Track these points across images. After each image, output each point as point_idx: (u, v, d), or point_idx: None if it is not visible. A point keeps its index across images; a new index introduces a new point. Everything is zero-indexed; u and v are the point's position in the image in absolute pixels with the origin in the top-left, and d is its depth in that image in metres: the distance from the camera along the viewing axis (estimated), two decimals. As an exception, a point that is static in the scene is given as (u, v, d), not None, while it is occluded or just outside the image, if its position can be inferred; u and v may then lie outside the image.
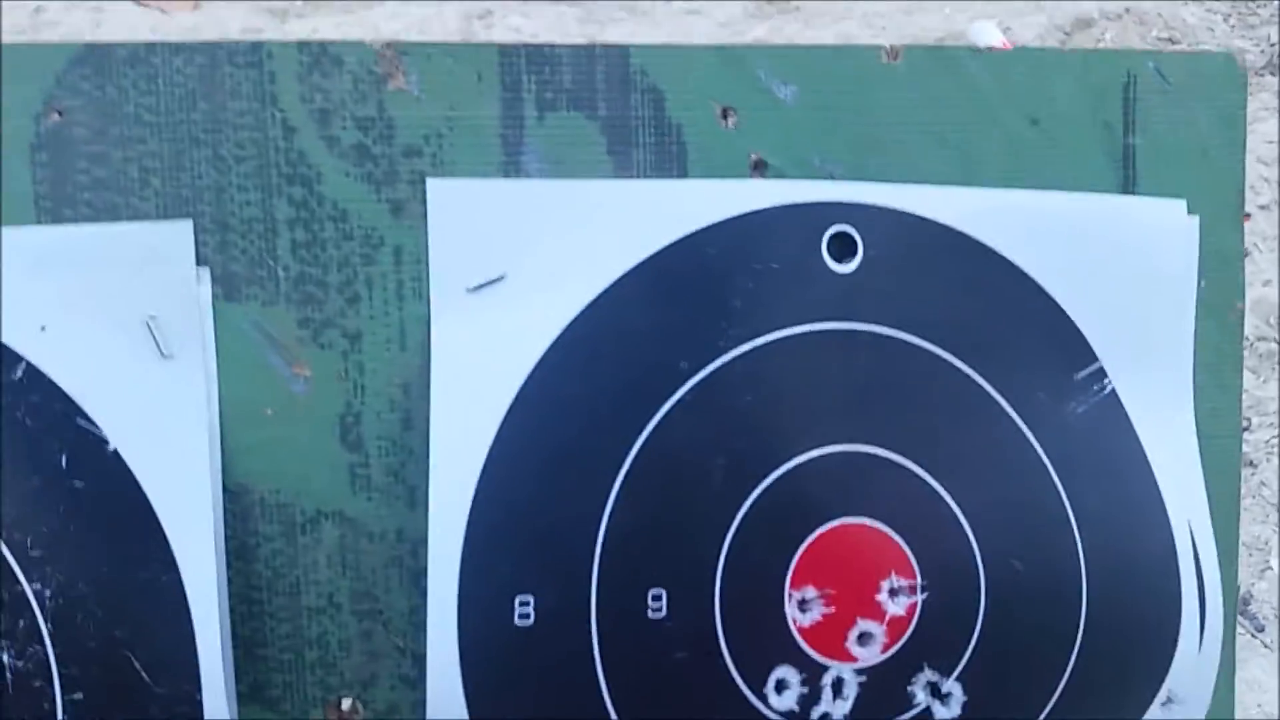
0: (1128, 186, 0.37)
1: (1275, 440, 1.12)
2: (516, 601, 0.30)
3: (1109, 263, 0.36)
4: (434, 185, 0.32)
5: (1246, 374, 0.51)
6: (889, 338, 0.34)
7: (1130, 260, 0.36)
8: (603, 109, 0.33)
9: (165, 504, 0.30)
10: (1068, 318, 0.36)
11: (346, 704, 0.33)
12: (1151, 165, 0.37)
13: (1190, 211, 0.37)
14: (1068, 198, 0.36)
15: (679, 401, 0.32)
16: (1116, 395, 0.36)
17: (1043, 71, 0.36)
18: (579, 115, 0.33)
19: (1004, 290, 0.35)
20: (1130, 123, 0.37)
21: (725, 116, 0.34)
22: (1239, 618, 0.48)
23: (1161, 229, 0.37)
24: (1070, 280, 0.35)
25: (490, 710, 0.30)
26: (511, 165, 0.33)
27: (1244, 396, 0.39)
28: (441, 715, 0.30)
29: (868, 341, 0.34)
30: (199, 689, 0.30)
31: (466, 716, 0.30)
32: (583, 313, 0.32)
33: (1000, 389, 0.35)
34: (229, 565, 0.31)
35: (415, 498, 0.32)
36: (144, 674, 0.30)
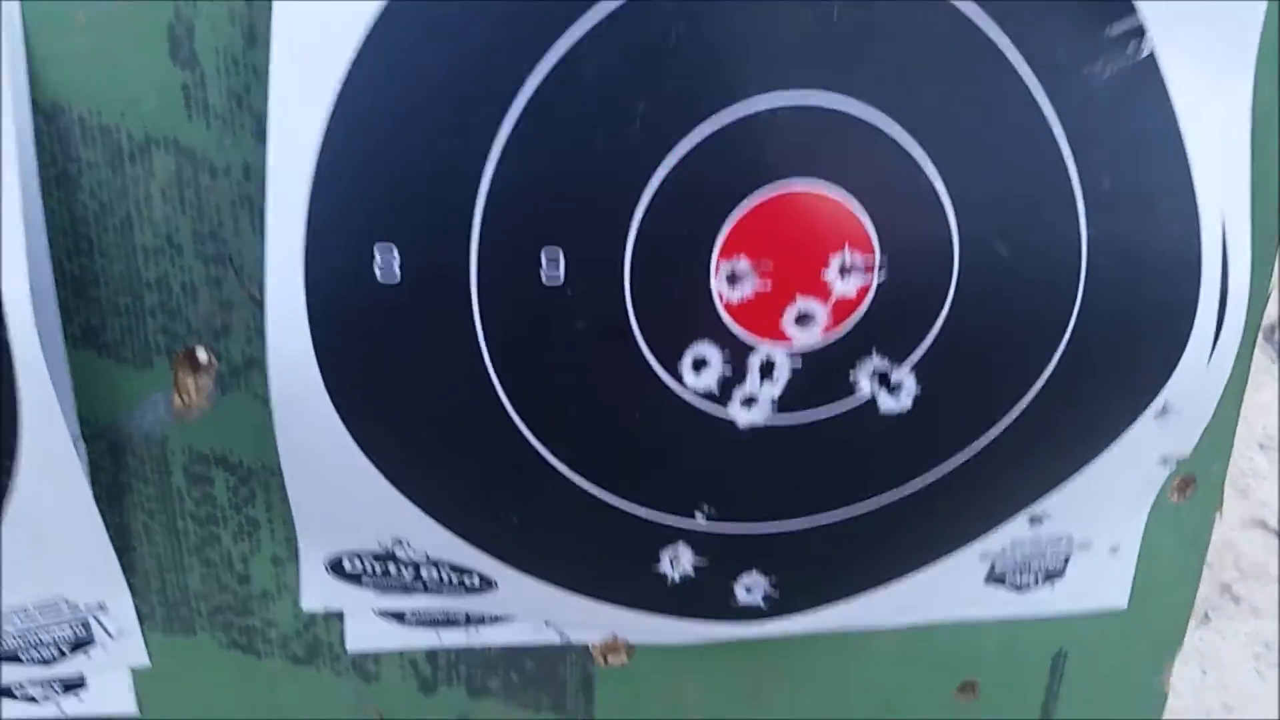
0: None
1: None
2: (376, 251, 0.25)
3: None
4: None
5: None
6: None
7: None
8: None
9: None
10: None
11: (203, 355, 0.29)
12: None
13: None
14: None
15: (596, 25, 0.25)
16: (1155, 61, 0.28)
17: None
18: None
19: None
20: None
21: None
22: (1261, 342, 0.42)
23: None
24: None
25: (350, 376, 0.26)
26: None
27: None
28: (288, 379, 0.26)
29: None
30: None
31: (320, 381, 0.26)
32: None
33: (1009, 33, 0.27)
34: (48, 194, 0.27)
35: (264, 127, 0.26)
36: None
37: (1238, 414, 0.36)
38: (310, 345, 0.26)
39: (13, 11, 0.25)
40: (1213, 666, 1.07)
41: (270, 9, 0.24)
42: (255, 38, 0.26)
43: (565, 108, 0.25)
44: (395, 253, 0.26)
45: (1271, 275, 0.33)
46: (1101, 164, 0.29)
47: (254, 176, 0.27)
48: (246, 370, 0.29)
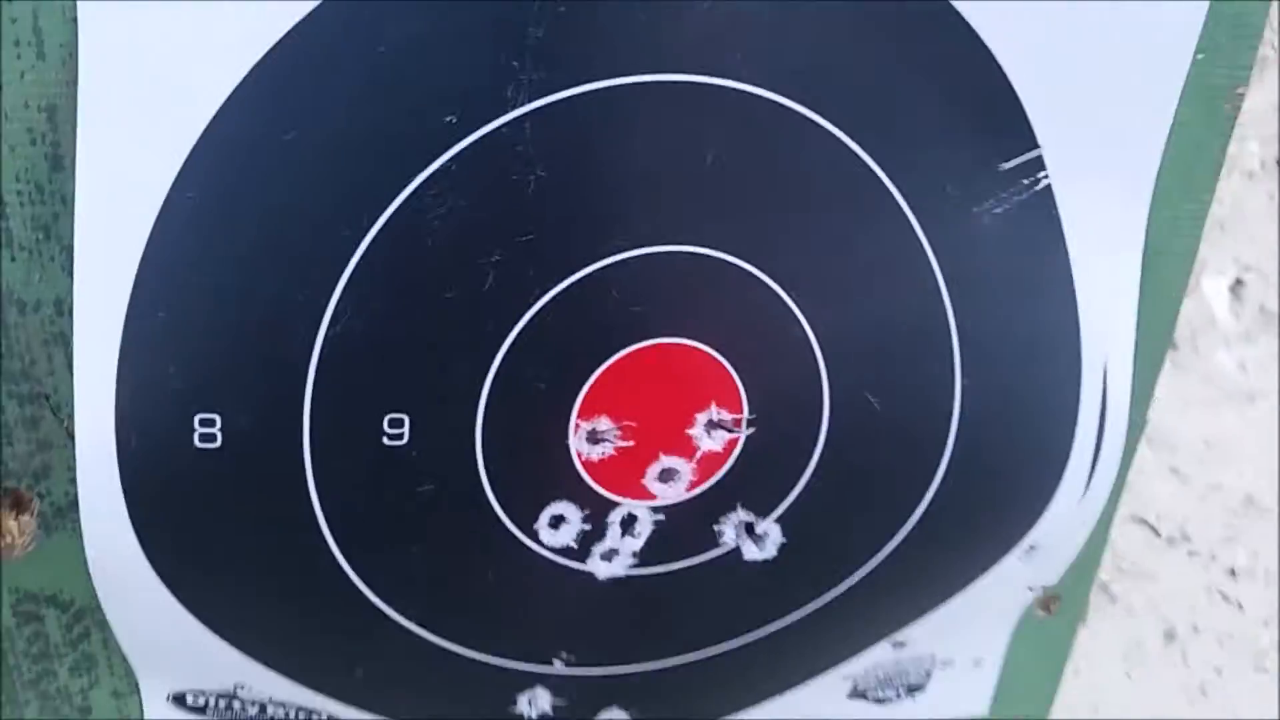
0: None
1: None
2: (196, 420, 0.23)
3: (1082, 21, 0.26)
4: None
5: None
6: (745, 94, 0.24)
7: (1111, 20, 0.26)
8: None
9: None
10: (1009, 85, 0.26)
11: (24, 496, 0.26)
12: None
13: None
14: None
15: (441, 168, 0.23)
16: (1051, 194, 0.27)
17: None
18: None
19: (922, 40, 0.25)
20: None
21: None
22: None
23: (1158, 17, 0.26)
24: (1020, 37, 0.25)
25: (167, 537, 0.24)
26: None
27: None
28: (101, 534, 0.24)
29: (715, 99, 0.24)
30: None
31: (135, 540, 0.24)
32: (300, 24, 0.22)
33: (893, 175, 0.26)
34: None
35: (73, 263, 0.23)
36: None
37: (1106, 535, 0.36)
38: (123, 504, 0.24)
39: None
40: (1085, 666, 1.10)
41: (76, 131, 0.22)
42: (62, 163, 0.23)
43: (408, 260, 0.23)
44: (217, 421, 0.23)
45: (1145, 411, 0.33)
46: (984, 310, 0.28)
47: (66, 311, 0.25)
48: (70, 510, 0.27)
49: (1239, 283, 1.06)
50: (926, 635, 0.33)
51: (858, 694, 0.34)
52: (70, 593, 0.28)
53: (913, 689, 0.35)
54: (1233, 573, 1.11)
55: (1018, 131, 0.26)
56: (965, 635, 0.34)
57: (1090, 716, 0.96)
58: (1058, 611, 0.36)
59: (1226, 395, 1.16)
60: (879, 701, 0.35)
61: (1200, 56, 0.26)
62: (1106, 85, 0.26)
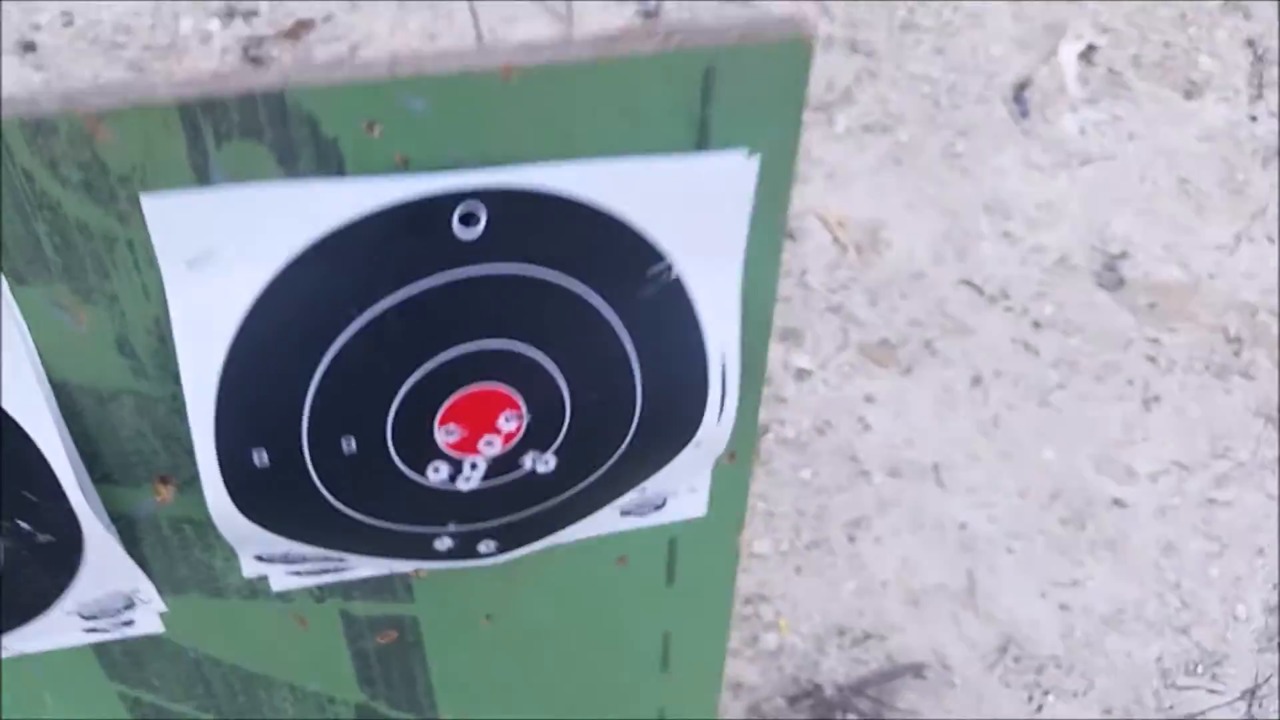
0: (702, 146, 0.48)
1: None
2: (253, 451, 0.49)
3: (683, 196, 0.49)
4: (146, 198, 0.43)
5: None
6: (513, 275, 0.48)
7: (704, 191, 0.49)
8: (268, 134, 0.43)
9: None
10: (643, 236, 0.49)
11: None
12: (724, 130, 0.47)
13: (752, 153, 0.48)
14: (652, 159, 0.47)
15: (354, 335, 0.47)
16: (681, 282, 0.52)
17: (633, 76, 0.44)
18: (251, 141, 0.43)
19: (597, 223, 0.48)
20: (708, 99, 0.46)
21: (371, 128, 0.43)
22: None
23: (727, 169, 0.48)
24: (650, 209, 0.48)
25: (249, 504, 0.51)
26: (203, 181, 0.43)
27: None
28: (216, 507, 0.51)
29: (498, 278, 0.48)
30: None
31: (233, 507, 0.51)
32: (280, 272, 0.45)
33: (596, 289, 0.50)
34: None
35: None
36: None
37: (754, 425, 0.62)
38: (224, 487, 0.50)
39: (30, 348, 0.46)
40: (903, 410, 1.44)
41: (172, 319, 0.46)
42: (165, 338, 0.47)
43: (360, 360, 0.48)
44: (265, 452, 0.49)
45: (760, 375, 0.58)
46: (650, 341, 0.53)
47: (180, 403, 0.50)
48: (194, 482, 0.53)
49: (1091, 48, 1.42)
50: (656, 483, 0.61)
51: (625, 513, 0.62)
52: (199, 518, 0.55)
53: (657, 507, 0.63)
54: (1037, 324, 1.51)
55: (655, 255, 0.50)
56: (680, 480, 0.62)
57: (903, 452, 1.32)
58: (736, 459, 0.63)
59: (1065, 159, 1.55)
60: (640, 515, 0.63)
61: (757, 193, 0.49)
62: (706, 217, 0.50)
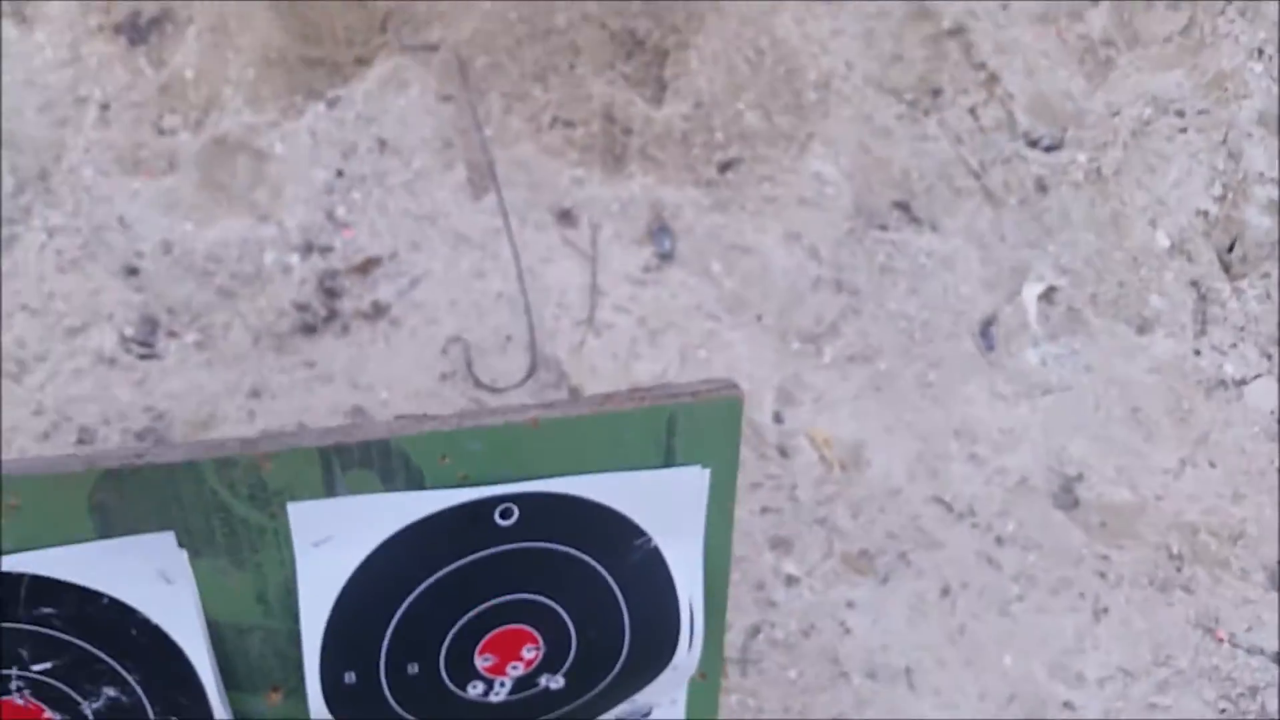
0: (669, 464, 0.68)
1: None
2: (345, 674, 0.68)
3: (658, 494, 0.69)
4: (291, 505, 0.64)
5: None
6: (536, 549, 0.68)
7: (672, 491, 0.69)
8: (376, 465, 0.64)
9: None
10: (630, 520, 0.70)
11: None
12: (685, 453, 0.68)
13: (705, 467, 0.69)
14: (635, 472, 0.68)
15: (422, 592, 0.67)
16: (658, 550, 0.72)
17: (620, 421, 0.66)
18: (364, 470, 0.64)
19: (597, 513, 0.69)
20: (673, 433, 0.67)
21: (443, 459, 0.65)
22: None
23: (687, 478, 0.69)
24: (634, 503, 0.69)
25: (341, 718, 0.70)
26: (330, 493, 0.64)
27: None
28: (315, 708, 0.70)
29: (525, 551, 0.68)
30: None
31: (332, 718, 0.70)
32: (374, 550, 0.66)
33: (595, 557, 0.70)
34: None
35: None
36: None
37: (719, 654, 0.81)
38: (322, 697, 0.69)
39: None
40: (880, 616, 1.58)
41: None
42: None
43: (421, 621, 0.68)
44: (353, 674, 0.68)
45: (721, 617, 0.77)
46: (635, 592, 0.72)
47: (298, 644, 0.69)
48: (301, 685, 0.72)
49: (1052, 289, 1.72)
50: (643, 696, 0.79)
51: None
52: (298, 718, 0.74)
53: (645, 715, 0.81)
54: (999, 540, 1.73)
55: (638, 533, 0.70)
56: (662, 694, 0.80)
57: (879, 656, 1.49)
58: (706, 678, 0.81)
59: (1027, 389, 1.83)
60: None
61: (711, 491, 0.70)
62: (675, 508, 0.70)
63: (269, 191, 1.98)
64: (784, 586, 1.55)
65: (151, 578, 0.67)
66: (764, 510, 1.59)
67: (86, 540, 0.64)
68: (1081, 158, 2.09)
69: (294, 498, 0.65)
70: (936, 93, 1.97)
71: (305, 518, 0.66)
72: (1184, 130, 2.06)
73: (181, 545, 0.66)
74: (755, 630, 1.47)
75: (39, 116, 2.12)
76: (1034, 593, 1.54)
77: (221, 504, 0.65)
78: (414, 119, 2.00)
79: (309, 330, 1.75)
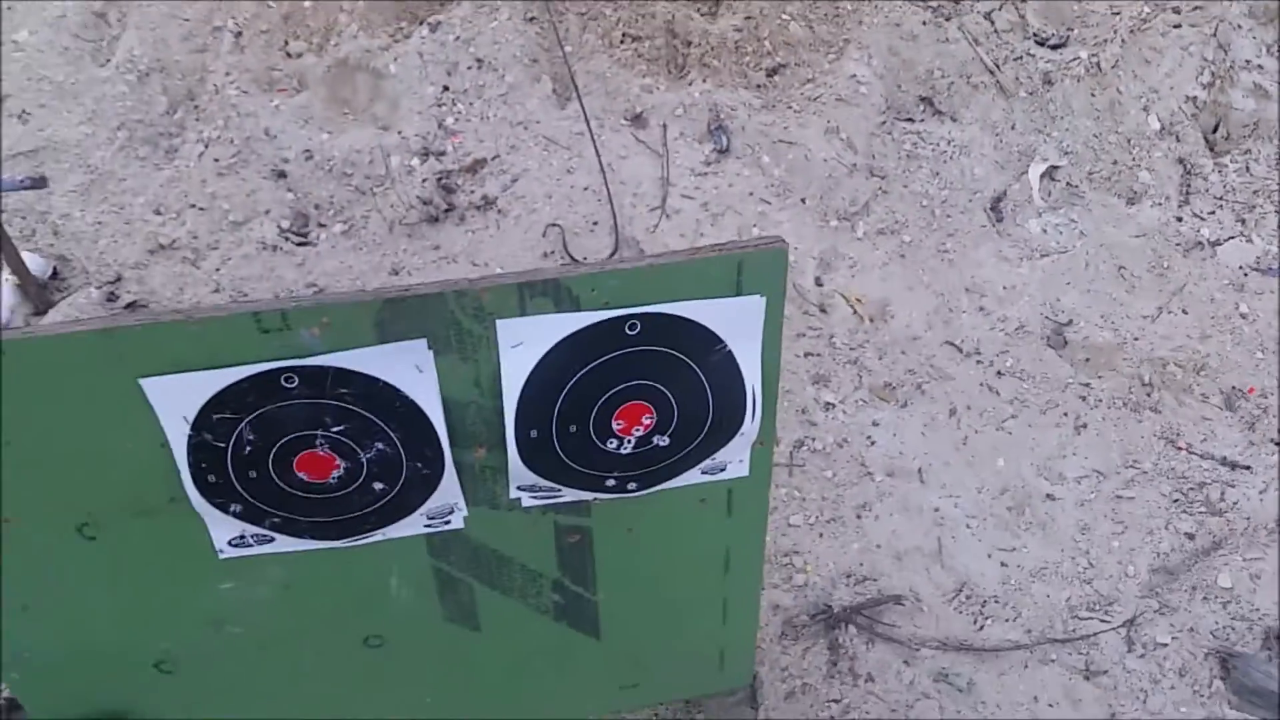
0: (738, 294, 1.05)
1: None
2: (531, 431, 1.07)
3: (731, 314, 1.06)
4: (500, 323, 1.01)
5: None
6: (652, 350, 1.05)
7: (740, 312, 1.06)
8: (555, 296, 1.01)
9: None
10: (713, 332, 1.06)
11: None
12: (748, 286, 1.04)
13: (761, 296, 1.05)
14: (716, 300, 1.04)
15: (579, 378, 1.05)
16: (731, 353, 1.09)
17: (705, 265, 1.02)
18: (548, 299, 1.01)
19: (692, 327, 1.05)
20: (740, 273, 1.03)
21: (592, 290, 1.02)
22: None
23: (751, 304, 1.06)
24: (715, 320, 1.06)
25: (529, 465, 1.09)
26: (522, 314, 1.02)
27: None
28: (514, 469, 1.08)
29: (645, 352, 1.05)
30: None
31: (524, 466, 1.09)
32: (548, 350, 1.04)
33: (690, 357, 1.07)
34: None
35: None
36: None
37: (772, 427, 1.18)
38: None
39: None
40: (900, 431, 2.01)
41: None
42: None
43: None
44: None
45: (773, 402, 1.14)
46: (718, 381, 1.10)
47: None
48: None
49: (1054, 168, 2.26)
50: (720, 455, 1.17)
51: (704, 472, 1.19)
52: (496, 466, 1.13)
53: (721, 469, 1.19)
54: (999, 373, 2.22)
55: (718, 340, 1.07)
56: (734, 454, 1.19)
57: (897, 460, 1.93)
58: (764, 444, 1.19)
59: (1029, 252, 2.37)
60: (712, 474, 1.20)
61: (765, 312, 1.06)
62: (741, 323, 1.07)
63: (387, 105, 2.33)
64: (822, 411, 1.90)
65: (410, 368, 1.05)
66: (807, 355, 1.94)
67: (370, 345, 1.03)
68: (1084, 54, 2.35)
69: (500, 316, 1.03)
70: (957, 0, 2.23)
71: (507, 328, 1.03)
72: (1178, 26, 2.29)
73: (430, 347, 1.04)
74: (800, 443, 1.84)
75: (182, 45, 2.48)
76: (1025, 412, 1.88)
77: (455, 320, 1.02)
78: (505, 39, 2.32)
79: (433, 220, 2.11)
